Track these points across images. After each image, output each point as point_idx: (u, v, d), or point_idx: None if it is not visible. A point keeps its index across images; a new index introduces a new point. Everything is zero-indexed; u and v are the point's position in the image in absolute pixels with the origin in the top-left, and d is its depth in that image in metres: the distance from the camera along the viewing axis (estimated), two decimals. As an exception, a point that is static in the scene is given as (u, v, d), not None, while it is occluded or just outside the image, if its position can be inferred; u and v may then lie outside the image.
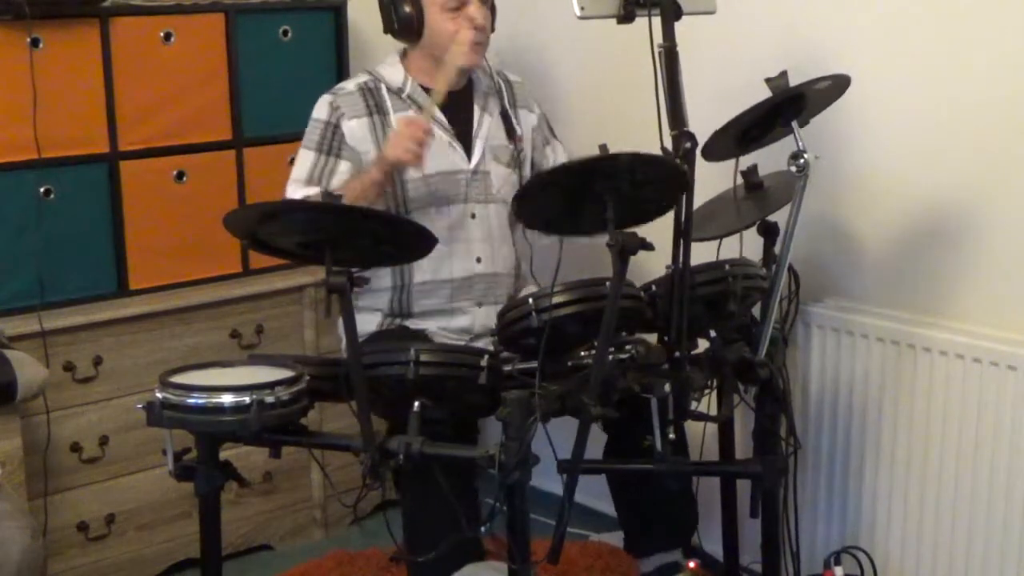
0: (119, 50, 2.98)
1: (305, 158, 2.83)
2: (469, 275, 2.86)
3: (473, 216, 2.86)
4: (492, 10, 2.87)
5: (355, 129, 2.81)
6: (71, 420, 2.92)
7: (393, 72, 2.88)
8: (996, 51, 2.54)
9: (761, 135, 2.49)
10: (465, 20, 2.76)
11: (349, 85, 2.87)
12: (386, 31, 2.87)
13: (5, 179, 2.87)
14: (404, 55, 2.90)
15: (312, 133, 2.83)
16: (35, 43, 2.85)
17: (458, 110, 2.89)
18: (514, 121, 2.94)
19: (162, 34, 3.07)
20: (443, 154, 2.84)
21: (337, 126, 2.80)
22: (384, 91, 2.85)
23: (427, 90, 2.86)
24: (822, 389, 2.85)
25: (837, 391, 2.82)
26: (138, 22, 3.03)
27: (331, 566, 3.14)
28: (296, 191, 2.80)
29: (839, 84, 2.47)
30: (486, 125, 2.91)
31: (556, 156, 3.01)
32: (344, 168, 2.80)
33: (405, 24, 2.80)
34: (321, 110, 2.83)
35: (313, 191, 2.77)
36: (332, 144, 2.80)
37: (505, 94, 2.97)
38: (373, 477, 2.23)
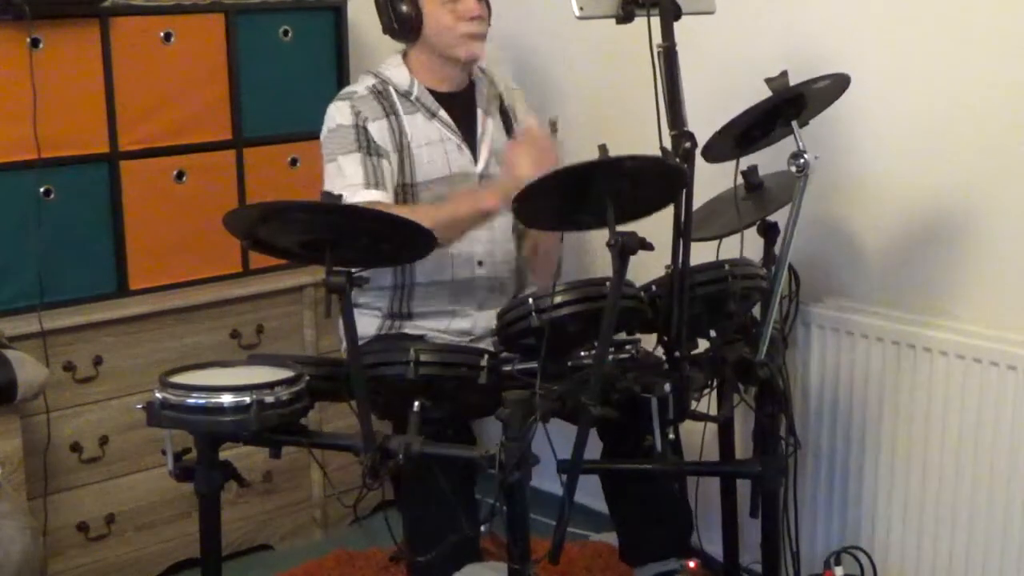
0: (119, 50, 2.98)
1: (351, 162, 2.71)
2: (470, 277, 2.85)
3: None
4: (487, 5, 2.86)
5: (377, 131, 2.76)
6: (71, 420, 2.92)
7: (399, 74, 2.85)
8: (996, 51, 2.54)
9: (761, 136, 2.49)
10: (461, 11, 2.75)
11: (360, 89, 2.82)
12: (385, 31, 2.86)
13: (5, 179, 2.87)
14: (405, 56, 2.89)
15: (346, 138, 2.73)
16: (35, 43, 2.85)
17: (463, 112, 2.88)
18: (514, 124, 2.94)
19: (162, 34, 3.07)
20: (452, 157, 2.83)
21: (364, 128, 2.75)
22: (393, 93, 2.83)
23: (433, 92, 2.85)
24: (822, 389, 2.85)
25: (837, 391, 2.82)
26: (138, 22, 3.03)
27: (331, 566, 3.14)
28: (355, 195, 2.65)
29: (839, 83, 2.47)
30: (490, 129, 2.90)
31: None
32: (387, 168, 2.73)
33: (404, 23, 2.79)
34: (344, 115, 2.75)
35: (377, 195, 2.67)
36: (370, 145, 2.73)
37: (505, 98, 2.96)
38: (373, 477, 2.23)
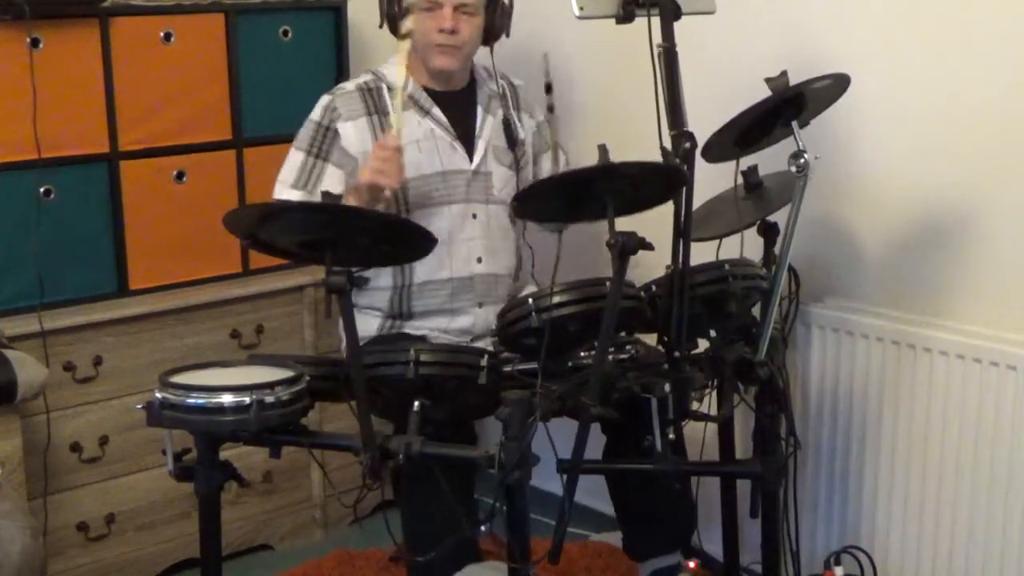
0: (119, 50, 2.98)
1: (294, 159, 2.83)
2: (469, 275, 2.85)
3: (474, 216, 2.86)
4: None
5: (352, 131, 2.80)
6: (71, 420, 2.92)
7: (395, 71, 2.87)
8: (996, 51, 2.54)
9: (761, 136, 2.49)
10: (435, 23, 2.76)
11: (348, 85, 2.87)
12: (380, 27, 2.88)
13: (5, 179, 2.87)
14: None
15: (303, 134, 2.83)
16: (35, 43, 2.85)
17: (461, 111, 2.89)
18: (516, 125, 2.94)
19: (162, 34, 3.07)
20: (445, 155, 2.84)
21: (330, 128, 2.80)
22: (385, 91, 2.85)
23: (430, 90, 2.86)
24: (822, 389, 2.85)
25: (837, 391, 2.82)
26: (138, 22, 3.03)
27: (331, 566, 3.14)
28: (281, 192, 2.81)
29: (839, 83, 2.47)
30: (488, 126, 2.91)
31: (549, 169, 3.00)
32: (330, 172, 2.79)
33: (392, 24, 2.82)
34: (317, 111, 2.83)
35: (297, 195, 2.77)
36: (322, 147, 2.80)
37: (509, 97, 2.97)
38: (373, 477, 2.23)
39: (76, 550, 2.96)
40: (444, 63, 2.81)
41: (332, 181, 2.78)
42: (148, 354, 3.01)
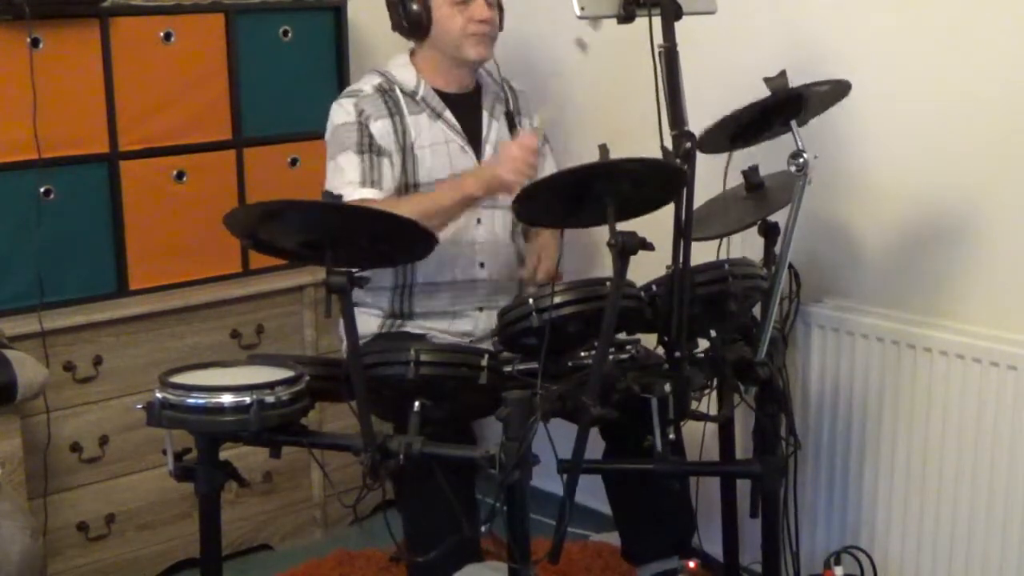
0: (119, 50, 2.98)
1: (350, 161, 2.73)
2: (471, 279, 2.85)
3: (479, 221, 2.86)
4: (500, 8, 2.87)
5: (380, 130, 2.77)
6: (71, 420, 2.92)
7: (405, 74, 2.85)
8: (996, 51, 2.54)
9: (759, 133, 2.48)
10: (471, 14, 2.75)
11: (366, 87, 2.83)
12: (394, 29, 2.86)
13: (5, 179, 2.87)
14: (412, 55, 2.90)
15: (346, 136, 2.75)
16: (35, 43, 2.85)
17: (469, 114, 2.88)
18: (519, 127, 2.94)
19: (162, 34, 3.07)
20: (456, 158, 2.82)
21: (366, 126, 2.76)
22: (398, 93, 2.83)
23: (439, 92, 2.85)
24: (822, 389, 2.85)
25: (837, 391, 2.82)
26: (138, 22, 3.03)
27: (331, 566, 3.14)
28: (354, 192, 2.69)
29: (839, 89, 2.46)
30: (494, 130, 2.90)
31: (545, 169, 2.99)
32: (387, 167, 2.75)
33: (414, 21, 2.79)
34: (348, 113, 2.77)
35: (370, 192, 2.70)
36: (371, 143, 2.74)
37: (510, 101, 2.96)
38: (373, 477, 2.23)
39: (76, 550, 2.96)
40: (480, 52, 2.79)
41: (387, 174, 2.74)
42: (148, 354, 3.01)
